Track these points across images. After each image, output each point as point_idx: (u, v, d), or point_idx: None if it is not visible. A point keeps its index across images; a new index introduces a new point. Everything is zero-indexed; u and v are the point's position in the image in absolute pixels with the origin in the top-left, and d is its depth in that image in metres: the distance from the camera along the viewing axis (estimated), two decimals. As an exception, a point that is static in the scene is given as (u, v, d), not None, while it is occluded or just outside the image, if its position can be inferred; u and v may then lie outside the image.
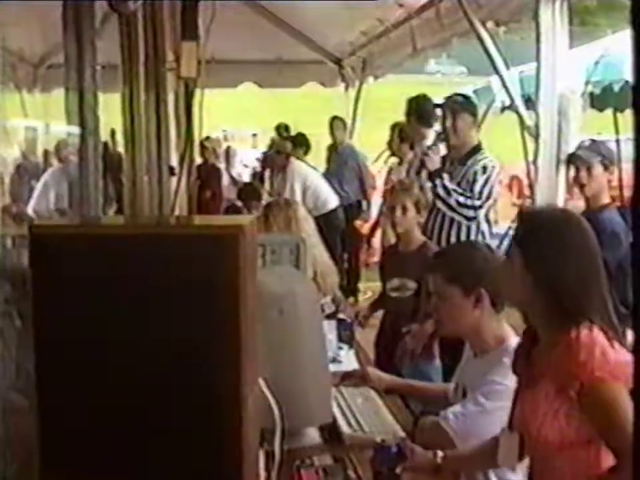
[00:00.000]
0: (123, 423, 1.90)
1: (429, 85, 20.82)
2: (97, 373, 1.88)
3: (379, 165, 10.38)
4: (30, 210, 7.44)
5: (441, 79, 38.33)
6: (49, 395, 1.90)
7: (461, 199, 5.62)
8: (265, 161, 11.96)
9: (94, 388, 1.89)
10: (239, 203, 10.09)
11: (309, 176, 10.06)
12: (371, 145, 11.38)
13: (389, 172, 9.20)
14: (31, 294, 1.87)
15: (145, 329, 1.86)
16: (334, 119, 11.31)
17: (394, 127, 8.88)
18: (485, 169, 5.70)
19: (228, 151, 15.19)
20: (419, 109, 7.03)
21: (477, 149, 5.86)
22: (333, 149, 11.28)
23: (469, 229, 5.71)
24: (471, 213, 5.65)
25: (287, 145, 10.52)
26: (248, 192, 10.07)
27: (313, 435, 3.29)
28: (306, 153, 10.85)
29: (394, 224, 5.29)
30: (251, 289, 1.94)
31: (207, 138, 12.40)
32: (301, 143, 10.80)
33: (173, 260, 1.84)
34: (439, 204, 5.68)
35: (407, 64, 10.13)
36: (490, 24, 6.21)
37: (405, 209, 5.14)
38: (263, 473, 2.56)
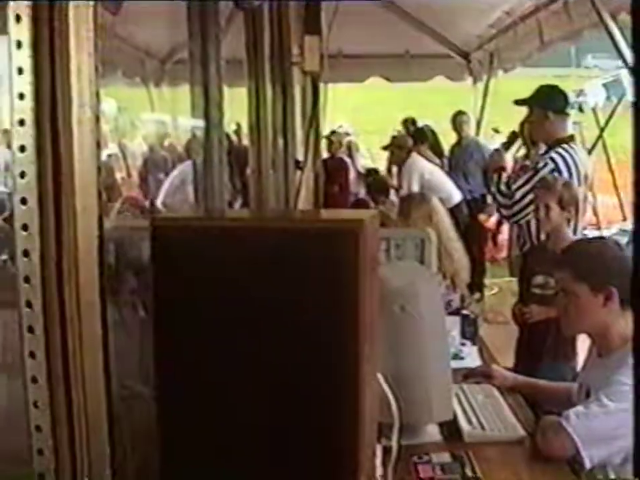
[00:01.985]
0: (240, 415, 1.91)
1: (557, 79, 20.46)
2: (214, 366, 1.89)
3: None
4: (159, 203, 7.58)
5: (582, 72, 37.61)
6: (168, 387, 1.92)
7: None
8: (391, 156, 11.96)
9: (212, 380, 1.90)
10: (367, 197, 10.10)
11: (428, 171, 10.00)
12: (499, 139, 11.26)
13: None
14: (152, 286, 1.89)
15: (264, 324, 1.86)
16: (458, 113, 11.23)
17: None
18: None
19: (350, 146, 15.22)
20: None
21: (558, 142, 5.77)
22: (457, 143, 11.21)
23: None
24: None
25: (408, 140, 10.49)
26: (376, 186, 10.08)
27: (432, 432, 3.27)
28: (431, 147, 10.79)
29: (539, 223, 5.24)
30: (371, 284, 1.93)
31: (334, 132, 12.46)
32: (424, 138, 10.75)
33: (293, 255, 1.84)
34: None
35: (538, 56, 9.95)
36: (623, 15, 6.05)
37: (548, 208, 5.04)
38: (380, 468, 2.56)
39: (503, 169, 5.91)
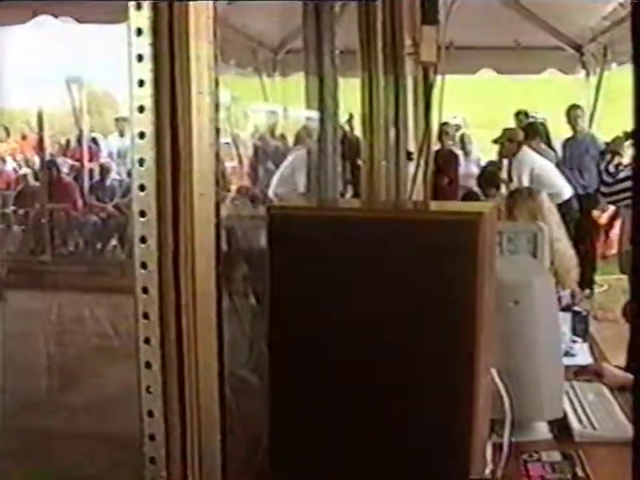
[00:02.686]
0: (351, 410, 1.90)
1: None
2: (328, 354, 1.88)
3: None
4: (271, 192, 7.65)
5: None
6: (281, 375, 1.91)
7: None
8: (502, 149, 11.82)
9: (325, 370, 1.89)
10: (477, 190, 10.01)
11: (538, 165, 9.84)
12: (612, 134, 11.04)
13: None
14: (267, 274, 1.89)
15: (379, 313, 1.84)
16: (572, 107, 11.03)
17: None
18: None
19: (463, 138, 15.07)
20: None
21: None
22: (571, 138, 11.02)
23: None
24: None
25: (519, 132, 10.35)
26: (487, 179, 9.98)
27: (542, 429, 3.21)
28: (545, 141, 10.63)
29: None
30: (489, 278, 1.89)
31: (445, 123, 12.36)
32: (535, 131, 10.59)
33: (410, 245, 1.81)
34: None
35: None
36: None
37: None
38: (489, 465, 2.52)
39: (619, 153, 5.83)
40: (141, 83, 1.72)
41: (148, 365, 1.77)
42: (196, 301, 1.74)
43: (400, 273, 1.83)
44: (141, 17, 1.72)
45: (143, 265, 1.72)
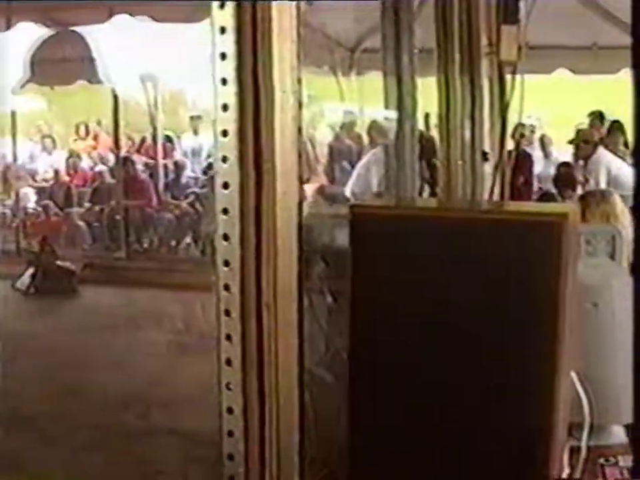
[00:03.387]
0: (432, 410, 1.89)
1: None
2: (409, 355, 1.87)
3: None
4: (348, 191, 7.64)
5: None
6: (361, 374, 1.91)
7: None
8: (577, 150, 11.68)
9: (405, 370, 1.89)
10: (554, 190, 9.91)
11: (615, 166, 9.69)
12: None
13: None
14: (350, 272, 1.88)
15: (460, 313, 1.83)
16: (650, 107, 10.82)
17: None
18: None
19: (543, 139, 14.88)
20: None
21: None
22: (651, 139, 10.81)
23: None
24: None
25: (594, 133, 10.20)
26: (564, 180, 9.87)
27: (619, 433, 3.16)
28: (624, 142, 10.47)
29: None
30: (571, 279, 1.87)
31: (520, 124, 12.24)
32: (614, 132, 10.44)
33: (494, 245, 1.80)
34: None
35: None
36: None
37: None
38: (566, 468, 2.49)
39: None
40: (224, 81, 1.73)
41: (228, 362, 1.77)
42: (277, 299, 1.74)
43: (481, 273, 1.82)
44: (225, 16, 1.73)
45: (226, 263, 1.73)
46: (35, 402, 6.29)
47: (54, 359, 7.50)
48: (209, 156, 12.62)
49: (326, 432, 2.20)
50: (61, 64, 12.13)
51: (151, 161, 12.30)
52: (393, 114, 3.74)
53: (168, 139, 12.58)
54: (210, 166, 12.23)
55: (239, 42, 1.73)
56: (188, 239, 11.32)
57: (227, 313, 1.75)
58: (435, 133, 4.87)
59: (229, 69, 1.72)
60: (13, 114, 12.75)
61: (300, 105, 1.77)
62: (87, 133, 13.98)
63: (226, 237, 1.72)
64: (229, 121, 1.71)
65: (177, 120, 13.47)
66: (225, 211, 1.71)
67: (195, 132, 13.00)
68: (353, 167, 9.20)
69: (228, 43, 1.73)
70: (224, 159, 1.72)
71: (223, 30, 1.73)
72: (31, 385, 6.71)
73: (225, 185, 1.71)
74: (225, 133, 1.72)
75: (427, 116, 9.35)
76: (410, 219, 1.89)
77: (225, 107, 1.72)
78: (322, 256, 2.63)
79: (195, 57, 11.11)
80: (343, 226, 1.97)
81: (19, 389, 6.58)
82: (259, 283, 1.73)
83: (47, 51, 11.79)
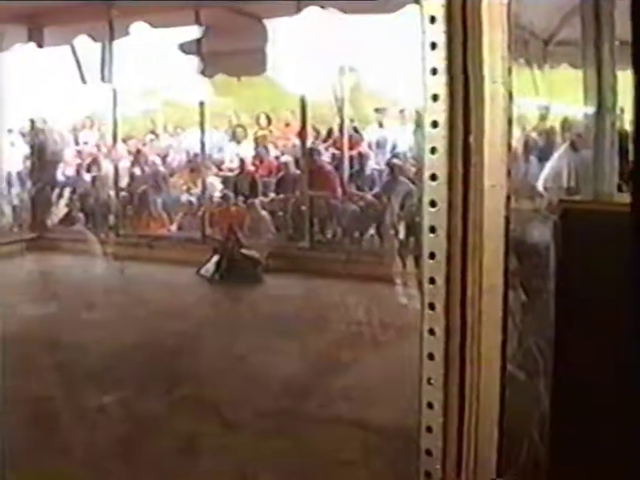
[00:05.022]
0: (634, 410, 1.81)
1: None
2: (617, 354, 1.81)
3: None
4: (540, 186, 7.48)
5: None
6: (566, 371, 1.86)
7: None
8: None
9: (610, 370, 1.83)
10: None
11: None
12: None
13: None
14: (555, 268, 1.83)
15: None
16: None
17: None
18: None
19: None
20: None
21: None
22: None
23: None
24: None
25: None
26: None
27: None
28: None
29: None
30: None
31: None
32: None
33: None
34: None
35: None
36: None
37: None
38: None
39: None
40: (434, 72, 1.70)
41: (431, 357, 1.75)
42: (482, 294, 1.71)
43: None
44: (435, 5, 1.71)
45: (431, 255, 1.71)
46: (218, 388, 6.40)
47: (237, 346, 7.63)
48: (393, 148, 12.59)
49: (518, 427, 2.16)
50: (248, 55, 12.33)
51: (337, 152, 12.34)
52: (588, 108, 3.62)
53: (355, 130, 12.60)
54: (393, 157, 12.23)
55: (449, 31, 1.70)
56: (372, 231, 11.33)
57: (431, 306, 1.73)
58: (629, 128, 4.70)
59: (439, 58, 1.70)
60: (202, 105, 13.04)
61: (510, 97, 1.73)
62: (269, 123, 14.17)
63: (432, 229, 1.70)
64: (439, 111, 1.69)
65: (362, 112, 13.50)
66: (432, 203, 1.69)
67: (380, 124, 13.00)
68: (541, 161, 9.00)
69: (438, 33, 1.70)
70: (432, 150, 1.69)
71: (432, 19, 1.71)
72: (214, 371, 6.85)
73: (433, 177, 1.69)
74: (434, 124, 1.69)
75: (621, 110, 9.07)
76: (620, 215, 1.82)
77: (434, 98, 1.70)
78: (515, 251, 2.57)
79: (382, 48, 11.13)
80: (537, 221, 1.91)
81: (203, 374, 6.73)
82: (464, 277, 1.70)
83: (235, 42, 12.02)
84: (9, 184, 14.51)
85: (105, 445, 5.13)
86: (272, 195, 12.84)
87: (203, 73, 12.76)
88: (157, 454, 5.19)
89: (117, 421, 5.57)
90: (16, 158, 14.65)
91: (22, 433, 5.39)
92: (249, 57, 12.41)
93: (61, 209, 14.17)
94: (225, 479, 4.88)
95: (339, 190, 11.96)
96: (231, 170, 13.83)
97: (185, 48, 12.72)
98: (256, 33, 12.09)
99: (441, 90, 1.69)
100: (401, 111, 12.86)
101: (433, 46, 1.70)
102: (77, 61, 14.29)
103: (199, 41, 12.53)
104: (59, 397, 5.76)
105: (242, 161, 13.46)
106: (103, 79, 14.22)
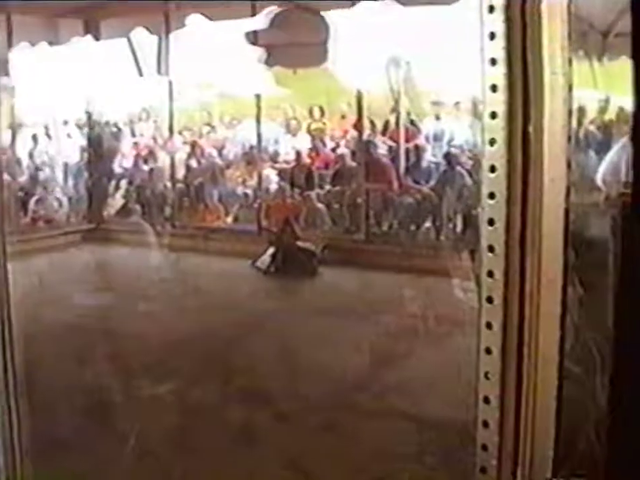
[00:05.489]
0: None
1: None
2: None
3: None
4: (599, 180, 7.40)
5: None
6: (626, 367, 1.82)
7: None
8: None
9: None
10: None
11: None
12: None
13: None
14: (615, 263, 1.80)
15: None
16: None
17: None
18: None
19: None
20: None
21: None
22: None
23: None
24: None
25: None
26: None
27: None
28: None
29: None
30: None
31: None
32: None
33: None
34: None
35: None
36: None
37: None
38: None
39: None
40: (493, 62, 1.68)
41: (488, 351, 1.73)
42: (540, 288, 1.68)
43: None
44: (494, -5, 1.68)
45: (490, 248, 1.68)
46: (271, 379, 6.42)
47: (292, 338, 7.65)
48: (450, 141, 12.51)
49: (570, 427, 2.13)
50: (305, 48, 12.33)
51: (394, 145, 12.30)
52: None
53: (412, 123, 12.55)
54: (450, 150, 12.16)
55: (508, 21, 1.67)
56: (428, 224, 11.27)
57: (489, 299, 1.70)
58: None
59: (498, 48, 1.67)
60: (258, 97, 13.08)
61: (570, 88, 1.69)
62: (322, 115, 14.17)
63: (491, 222, 1.67)
64: (498, 102, 1.66)
65: (418, 105, 13.43)
66: (491, 196, 1.67)
67: (437, 117, 12.94)
68: (599, 154, 8.90)
69: (497, 22, 1.67)
70: (491, 142, 1.67)
71: (491, 9, 1.69)
72: (269, 362, 6.87)
73: (492, 169, 1.66)
74: (493, 115, 1.67)
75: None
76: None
77: (493, 88, 1.67)
78: (573, 245, 2.54)
79: (438, 41, 11.06)
80: (596, 214, 1.88)
81: (257, 365, 6.75)
82: (523, 271, 1.67)
83: (291, 35, 12.03)
84: (66, 175, 14.67)
85: (159, 434, 5.17)
86: (327, 187, 12.83)
87: (265, 63, 12.74)
88: (209, 443, 5.22)
89: (170, 411, 5.62)
90: (73, 150, 14.81)
91: (77, 420, 5.46)
92: (307, 49, 12.41)
93: (117, 201, 14.30)
94: (276, 469, 4.89)
95: (395, 182, 11.91)
96: (286, 162, 13.85)
97: (246, 38, 12.70)
98: (313, 25, 12.08)
99: (500, 80, 1.66)
100: (457, 103, 12.79)
101: (492, 36, 1.67)
102: (134, 54, 14.40)
103: (254, 33, 12.53)
104: (114, 386, 5.81)
105: (298, 153, 13.47)
106: (159, 71, 14.33)
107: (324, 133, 13.99)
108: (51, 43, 14.27)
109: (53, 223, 13.80)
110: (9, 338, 2.42)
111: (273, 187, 13.42)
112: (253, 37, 12.49)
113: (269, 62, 12.76)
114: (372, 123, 12.69)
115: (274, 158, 14.03)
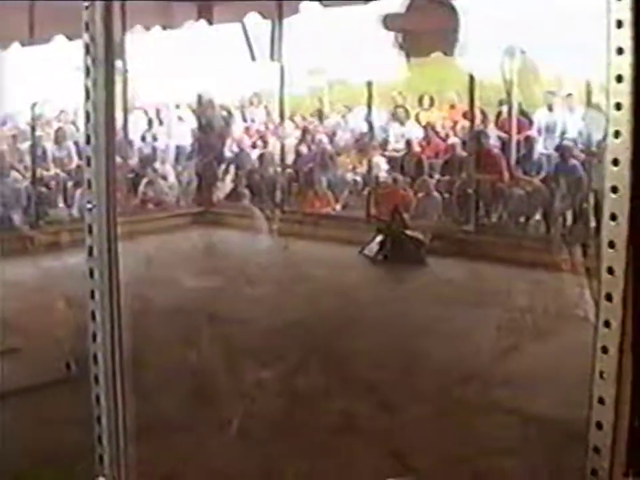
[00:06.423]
0: None
1: None
2: None
3: None
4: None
5: None
6: None
7: None
8: None
9: None
10: None
11: None
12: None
13: None
14: None
15: None
16: None
17: None
18: None
19: None
20: None
21: None
22: None
23: None
24: None
25: None
26: None
27: None
28: None
29: None
30: None
31: None
32: None
33: None
34: None
35: None
36: None
37: None
38: None
39: None
40: (620, 51, 1.62)
41: (604, 350, 1.67)
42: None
43: None
44: (623, -17, 1.62)
45: (611, 244, 1.62)
46: (378, 368, 6.40)
47: (399, 327, 7.62)
48: (563, 132, 12.28)
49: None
50: (420, 36, 12.22)
51: (504, 135, 12.14)
52: None
53: (523, 114, 12.35)
54: (563, 141, 11.94)
55: (638, 9, 1.61)
56: (538, 216, 11.09)
57: (608, 297, 1.64)
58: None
59: (625, 37, 1.61)
60: (369, 84, 13.04)
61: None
62: (432, 104, 14.07)
63: (613, 217, 1.61)
64: (624, 93, 1.60)
65: (530, 95, 13.22)
66: (614, 189, 1.61)
67: (550, 108, 12.70)
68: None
69: (625, 11, 1.61)
70: (616, 134, 1.61)
71: (619, -3, 1.63)
72: (375, 351, 6.85)
73: (615, 162, 1.60)
74: (618, 106, 1.61)
75: None
76: None
77: (619, 79, 1.61)
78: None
79: (557, 29, 10.86)
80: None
81: (362, 353, 6.74)
82: (641, 265, 1.61)
83: (408, 22, 11.95)
84: (177, 158, 14.85)
85: (261, 419, 5.19)
86: (437, 176, 12.74)
87: (400, 48, 12.61)
88: (311, 430, 5.23)
89: (274, 396, 5.63)
90: (184, 133, 14.99)
91: (181, 404, 5.52)
92: (420, 37, 12.31)
93: (227, 184, 14.41)
94: (376, 458, 4.87)
95: (506, 174, 11.75)
96: (396, 150, 13.79)
97: (381, 24, 12.55)
98: (431, 13, 11.96)
99: (626, 71, 1.60)
100: (569, 95, 12.54)
101: (619, 24, 1.61)
102: (247, 39, 14.50)
103: (386, 18, 12.36)
104: (219, 370, 5.85)
105: (408, 142, 13.39)
106: (272, 56, 14.40)
107: (434, 122, 13.89)
108: (164, 27, 14.46)
109: (162, 205, 13.99)
110: (118, 319, 2.44)
111: (383, 174, 13.39)
112: (387, 23, 12.28)
113: (403, 47, 12.57)
114: (482, 112, 12.53)
115: (383, 145, 13.99)
